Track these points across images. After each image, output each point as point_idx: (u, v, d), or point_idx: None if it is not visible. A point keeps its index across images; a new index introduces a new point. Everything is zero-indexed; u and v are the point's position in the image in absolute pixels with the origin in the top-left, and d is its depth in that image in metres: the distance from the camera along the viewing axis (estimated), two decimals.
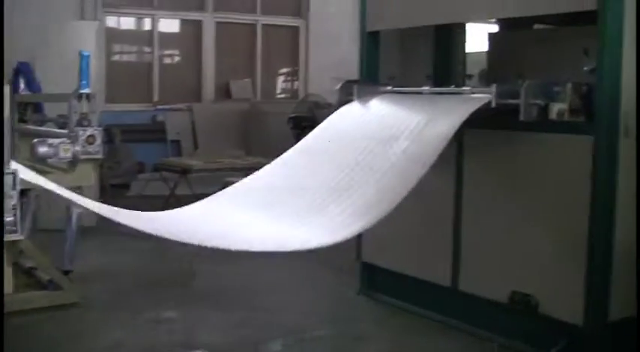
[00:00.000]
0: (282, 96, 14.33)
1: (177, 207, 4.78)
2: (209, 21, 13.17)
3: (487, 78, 6.33)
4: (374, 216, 4.18)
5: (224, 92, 13.38)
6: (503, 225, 5.07)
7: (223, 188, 9.92)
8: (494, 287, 5.11)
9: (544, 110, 4.66)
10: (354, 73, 6.34)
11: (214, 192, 9.82)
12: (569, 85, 4.63)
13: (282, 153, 5.48)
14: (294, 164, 5.27)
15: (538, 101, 4.63)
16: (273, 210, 4.66)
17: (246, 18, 13.60)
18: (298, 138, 9.30)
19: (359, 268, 6.25)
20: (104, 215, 4.14)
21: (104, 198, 8.93)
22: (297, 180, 5.04)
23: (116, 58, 13.05)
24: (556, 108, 4.63)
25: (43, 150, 5.35)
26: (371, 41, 6.11)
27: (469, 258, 5.32)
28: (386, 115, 5.29)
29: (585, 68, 4.72)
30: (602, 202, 4.49)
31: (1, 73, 4.80)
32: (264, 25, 13.71)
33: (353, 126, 5.37)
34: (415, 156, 4.60)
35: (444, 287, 5.49)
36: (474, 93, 5.04)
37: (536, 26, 6.80)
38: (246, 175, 10.38)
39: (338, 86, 5.73)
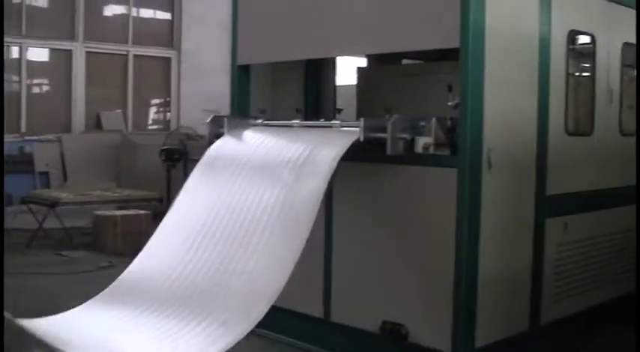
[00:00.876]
0: (155, 127, 14.21)
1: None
2: (79, 50, 12.96)
3: (357, 111, 6.45)
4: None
5: (95, 123, 13.17)
6: (374, 256, 5.16)
7: (93, 222, 9.82)
8: (365, 318, 5.19)
9: (411, 144, 4.79)
10: (227, 105, 6.34)
11: (84, 226, 9.58)
12: (433, 120, 4.77)
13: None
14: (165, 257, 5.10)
15: (405, 135, 4.75)
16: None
17: (117, 48, 13.45)
18: (169, 171, 9.32)
19: None
20: None
21: None
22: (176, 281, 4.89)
23: None
24: (422, 142, 4.77)
25: None
26: (242, 74, 6.14)
27: (340, 289, 5.39)
28: (257, 160, 5.26)
29: (450, 103, 4.88)
30: (467, 233, 4.63)
31: (1, 69, 4.65)
32: (136, 56, 13.58)
33: (227, 179, 5.28)
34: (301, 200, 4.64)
35: (317, 319, 5.53)
36: (343, 126, 5.13)
37: (404, 61, 6.98)
38: (117, 208, 10.34)
39: (208, 119, 5.73)
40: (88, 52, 13.07)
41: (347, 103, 6.72)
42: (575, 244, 5.67)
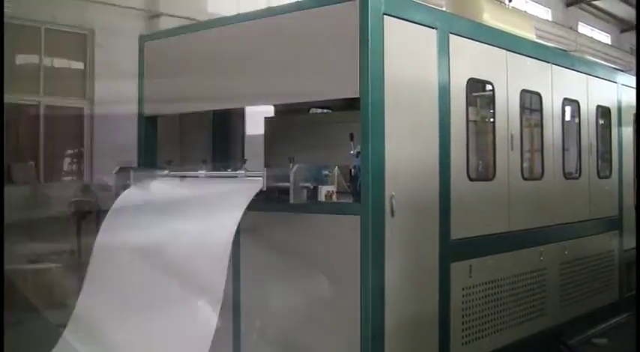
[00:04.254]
0: (68, 178, 13.96)
1: None
2: None
3: (264, 161, 6.48)
4: None
5: (5, 175, 12.88)
6: (281, 305, 5.16)
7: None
8: None
9: (314, 192, 4.84)
10: None
11: None
12: (336, 168, 4.83)
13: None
14: None
15: (307, 184, 4.80)
16: None
17: (28, 99, 13.22)
18: (79, 223, 9.18)
19: None
20: None
21: None
22: None
23: None
24: (324, 191, 4.83)
25: None
26: (148, 126, 6.15)
27: (249, 336, 5.37)
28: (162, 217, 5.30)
29: (352, 152, 4.95)
30: (371, 279, 4.66)
31: (1, 74, 4.50)
32: (48, 106, 13.38)
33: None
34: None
35: None
36: (248, 176, 5.15)
37: (312, 110, 7.03)
38: (28, 262, 10.09)
39: (114, 171, 5.69)
40: None
41: (257, 153, 6.72)
42: (481, 287, 5.77)
